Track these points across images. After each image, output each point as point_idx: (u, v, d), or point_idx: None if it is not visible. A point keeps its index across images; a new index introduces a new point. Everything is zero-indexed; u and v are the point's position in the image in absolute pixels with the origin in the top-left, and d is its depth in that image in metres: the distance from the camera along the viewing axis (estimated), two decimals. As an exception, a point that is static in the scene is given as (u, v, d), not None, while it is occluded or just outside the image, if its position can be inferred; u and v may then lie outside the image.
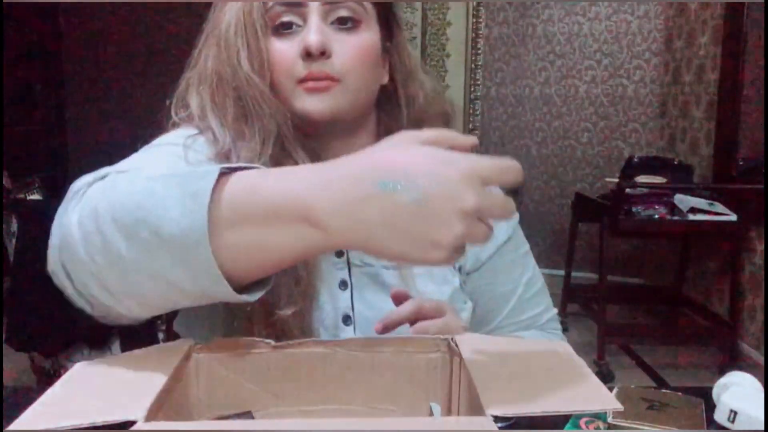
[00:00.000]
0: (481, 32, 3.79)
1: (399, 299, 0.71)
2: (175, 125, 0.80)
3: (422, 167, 0.46)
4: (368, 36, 0.77)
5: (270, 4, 0.74)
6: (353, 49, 0.75)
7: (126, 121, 4.11)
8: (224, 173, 0.51)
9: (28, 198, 2.50)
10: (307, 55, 0.73)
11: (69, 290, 0.56)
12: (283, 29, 0.75)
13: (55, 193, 3.82)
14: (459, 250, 0.47)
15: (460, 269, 0.87)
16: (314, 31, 0.73)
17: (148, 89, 4.04)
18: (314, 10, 0.74)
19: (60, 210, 0.58)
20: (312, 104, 0.74)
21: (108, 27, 4.08)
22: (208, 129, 0.76)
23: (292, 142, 0.75)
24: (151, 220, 0.49)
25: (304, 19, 0.74)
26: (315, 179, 0.49)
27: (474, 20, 3.76)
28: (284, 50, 0.74)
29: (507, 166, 0.49)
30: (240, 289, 0.51)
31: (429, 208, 0.45)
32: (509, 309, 0.87)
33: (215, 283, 0.49)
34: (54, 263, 0.56)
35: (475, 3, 3.73)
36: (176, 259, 0.49)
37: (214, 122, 0.76)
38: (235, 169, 0.52)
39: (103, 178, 0.58)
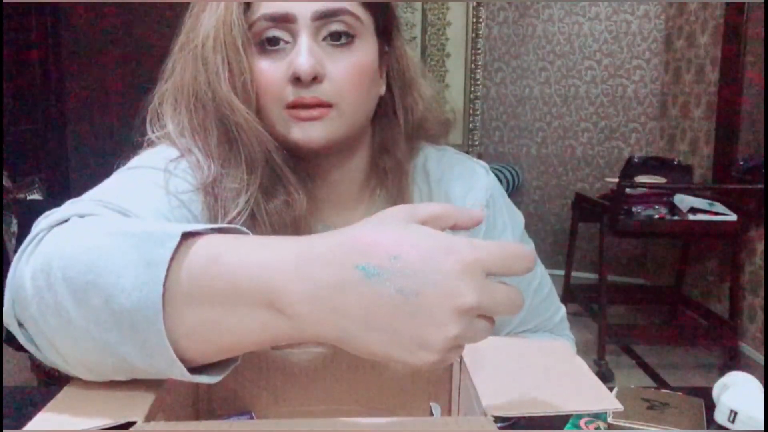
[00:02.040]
0: (481, 32, 3.79)
1: None
2: (152, 143, 0.74)
3: (414, 252, 0.39)
4: (364, 51, 0.69)
5: (255, 17, 0.65)
6: (348, 70, 0.67)
7: (126, 121, 4.11)
8: (189, 235, 0.45)
9: (28, 198, 2.50)
10: (297, 80, 0.65)
11: (24, 343, 0.49)
12: (269, 45, 0.67)
13: (55, 193, 3.81)
14: (455, 351, 0.40)
15: None
16: (305, 53, 0.65)
17: (148, 89, 4.03)
18: (304, 26, 0.65)
19: (18, 254, 0.51)
20: (301, 134, 0.67)
21: (108, 26, 4.08)
22: (190, 152, 0.70)
23: (283, 168, 0.69)
24: (102, 286, 0.43)
25: (293, 36, 0.66)
26: (288, 258, 0.41)
27: (474, 20, 3.77)
28: (271, 71, 0.66)
29: (516, 255, 0.41)
30: (200, 367, 0.46)
31: (418, 302, 0.38)
32: (519, 320, 0.84)
33: (169, 364, 0.43)
34: (8, 315, 0.49)
35: (475, 3, 3.73)
36: (127, 334, 0.43)
37: (195, 147, 0.69)
38: (201, 231, 0.46)
39: (66, 220, 0.51)
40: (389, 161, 0.76)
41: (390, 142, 0.76)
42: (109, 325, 0.43)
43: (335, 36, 0.67)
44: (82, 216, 0.52)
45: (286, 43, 0.67)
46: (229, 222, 0.67)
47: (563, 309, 0.89)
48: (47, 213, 0.55)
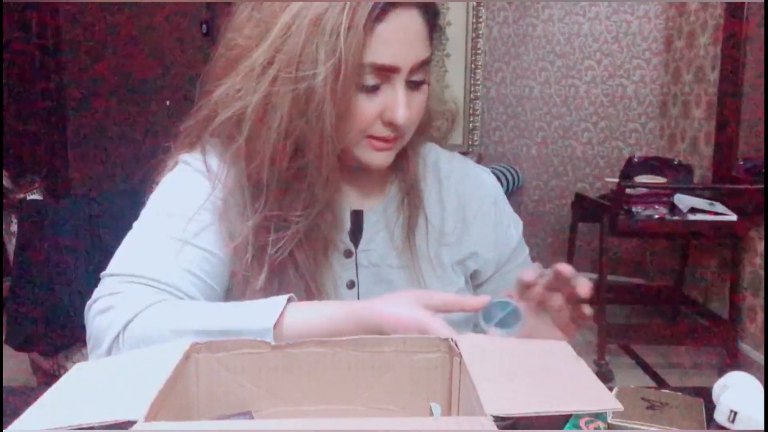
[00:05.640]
0: (481, 32, 3.79)
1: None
2: (199, 145, 0.80)
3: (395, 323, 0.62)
4: (427, 88, 0.78)
5: (362, 61, 0.70)
6: (418, 106, 0.77)
7: (126, 121, 4.11)
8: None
9: (28, 198, 2.50)
10: (391, 123, 0.74)
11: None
12: (369, 89, 0.73)
13: (55, 193, 3.81)
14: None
15: (479, 273, 0.89)
16: (403, 105, 0.73)
17: (148, 88, 4.04)
18: (402, 76, 0.73)
19: (98, 336, 0.68)
20: (375, 159, 0.77)
21: (108, 27, 4.08)
22: (254, 184, 0.75)
23: (336, 206, 0.79)
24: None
25: (388, 80, 0.73)
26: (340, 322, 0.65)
27: (474, 20, 3.77)
28: (364, 108, 0.73)
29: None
30: None
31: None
32: None
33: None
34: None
35: (475, 3, 3.73)
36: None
37: (266, 173, 0.73)
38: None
39: (144, 309, 0.67)
40: (402, 155, 0.84)
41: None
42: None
43: (416, 84, 0.75)
44: (149, 306, 0.67)
45: (383, 85, 0.73)
46: (277, 240, 0.75)
47: None
48: (96, 306, 0.69)
